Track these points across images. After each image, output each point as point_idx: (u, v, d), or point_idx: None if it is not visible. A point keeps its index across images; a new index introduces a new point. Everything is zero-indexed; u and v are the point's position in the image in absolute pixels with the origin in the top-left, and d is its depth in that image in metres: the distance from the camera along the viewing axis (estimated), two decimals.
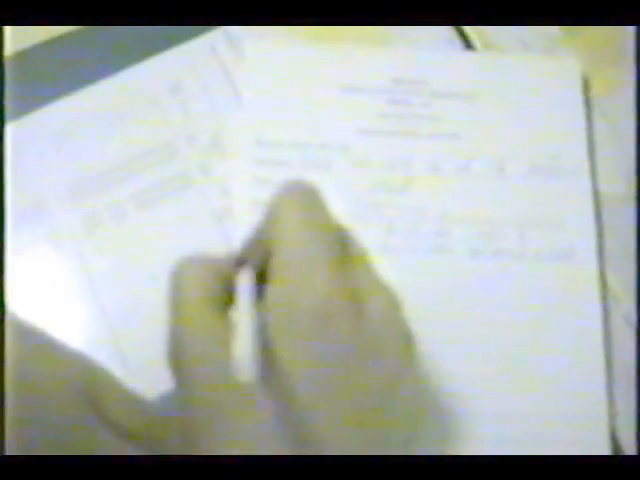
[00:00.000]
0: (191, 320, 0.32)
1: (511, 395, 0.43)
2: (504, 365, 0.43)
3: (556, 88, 0.48)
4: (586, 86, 0.48)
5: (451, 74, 0.48)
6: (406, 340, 0.33)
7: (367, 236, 0.34)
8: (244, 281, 0.32)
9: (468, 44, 0.50)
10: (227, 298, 0.32)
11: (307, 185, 0.33)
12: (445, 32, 0.50)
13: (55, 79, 0.47)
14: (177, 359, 0.32)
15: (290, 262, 0.31)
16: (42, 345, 0.34)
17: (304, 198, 0.33)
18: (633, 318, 0.44)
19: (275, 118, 0.47)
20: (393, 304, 0.33)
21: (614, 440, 0.42)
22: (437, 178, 0.47)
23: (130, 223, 0.46)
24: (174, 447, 0.37)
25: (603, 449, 0.42)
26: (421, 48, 0.49)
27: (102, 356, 0.37)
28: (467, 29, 0.50)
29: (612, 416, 0.42)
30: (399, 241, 0.45)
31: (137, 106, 0.48)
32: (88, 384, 0.34)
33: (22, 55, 0.47)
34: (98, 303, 0.44)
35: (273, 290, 0.31)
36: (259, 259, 0.32)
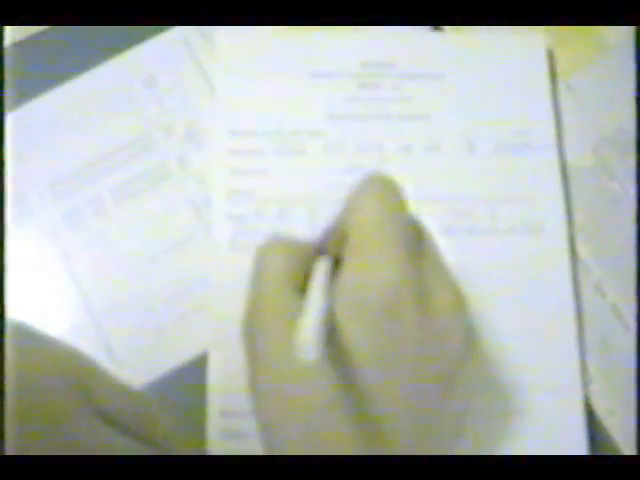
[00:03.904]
0: (269, 296, 0.33)
1: (485, 367, 0.44)
2: (478, 339, 0.44)
3: (522, 63, 0.49)
4: (552, 60, 0.49)
5: (419, 55, 0.49)
6: (467, 338, 0.34)
7: None
8: (320, 266, 0.32)
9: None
10: (306, 282, 0.33)
11: (388, 178, 0.34)
12: None
13: (29, 79, 0.48)
14: (250, 331, 0.33)
15: (364, 249, 0.32)
16: (31, 340, 0.35)
17: (384, 190, 0.34)
18: (603, 288, 0.45)
19: (248, 108, 0.48)
20: (459, 301, 0.34)
21: (588, 407, 0.43)
22: (409, 159, 0.47)
23: (111, 217, 0.47)
24: (162, 436, 0.38)
25: (577, 416, 0.43)
26: (388, 30, 0.49)
27: (88, 349, 0.38)
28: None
29: (585, 384, 0.44)
30: None
31: (113, 101, 0.49)
32: (79, 376, 0.35)
33: None
34: (82, 297, 0.45)
35: (345, 275, 0.33)
36: (337, 247, 0.33)
